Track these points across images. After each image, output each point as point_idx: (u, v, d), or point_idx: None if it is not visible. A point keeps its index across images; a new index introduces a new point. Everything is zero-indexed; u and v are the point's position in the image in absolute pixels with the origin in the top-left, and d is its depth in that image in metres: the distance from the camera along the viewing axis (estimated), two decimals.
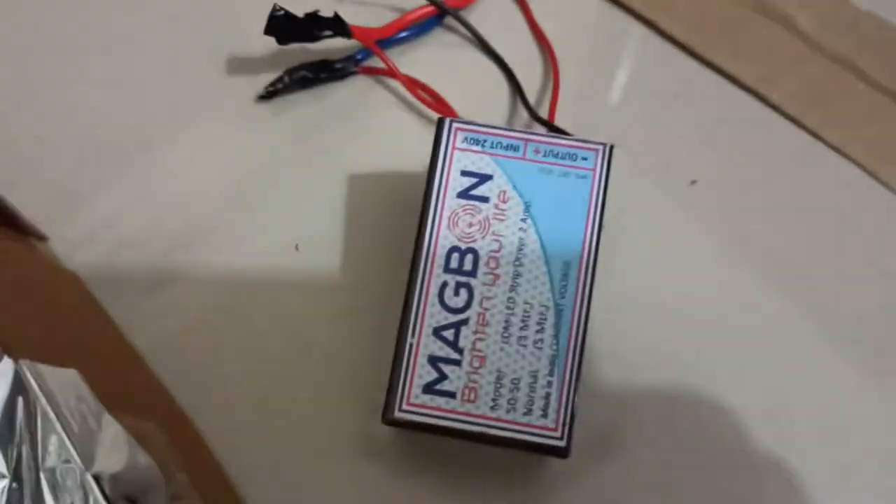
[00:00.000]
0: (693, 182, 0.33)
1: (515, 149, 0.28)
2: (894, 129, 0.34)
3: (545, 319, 0.27)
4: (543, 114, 0.33)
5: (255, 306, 0.31)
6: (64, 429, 0.19)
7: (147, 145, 0.33)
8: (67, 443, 0.19)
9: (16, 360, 0.20)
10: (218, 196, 0.33)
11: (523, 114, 0.34)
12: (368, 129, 0.34)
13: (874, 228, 0.33)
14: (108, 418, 0.21)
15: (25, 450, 0.19)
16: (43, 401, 0.19)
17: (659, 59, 0.35)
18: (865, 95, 0.35)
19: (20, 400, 0.19)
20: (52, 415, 0.19)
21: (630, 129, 0.34)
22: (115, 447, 0.20)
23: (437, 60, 0.35)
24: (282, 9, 0.31)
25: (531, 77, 0.35)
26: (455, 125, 0.28)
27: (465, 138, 0.28)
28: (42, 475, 0.19)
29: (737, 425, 0.30)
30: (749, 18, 0.36)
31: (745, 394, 0.30)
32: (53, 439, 0.19)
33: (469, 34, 0.35)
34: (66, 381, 0.21)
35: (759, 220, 0.33)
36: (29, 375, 0.20)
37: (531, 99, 0.34)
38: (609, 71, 0.35)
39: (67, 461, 0.19)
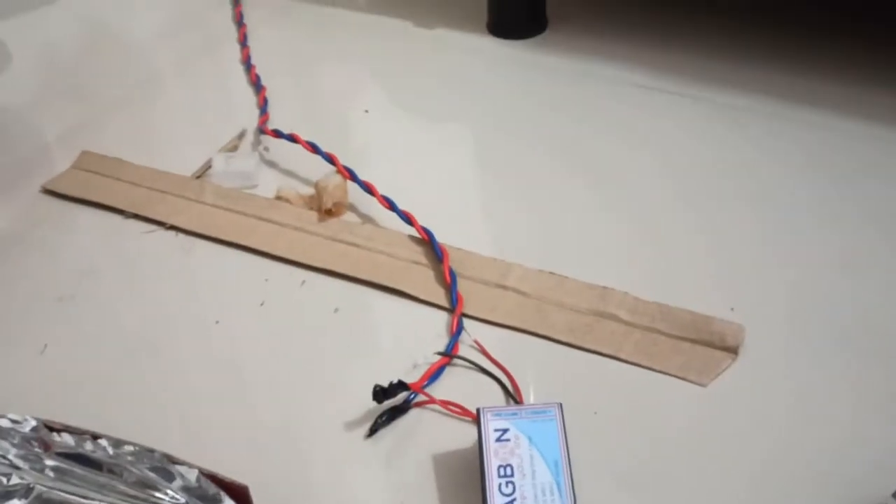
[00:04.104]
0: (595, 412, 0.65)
1: (516, 414, 0.59)
2: (690, 354, 0.68)
3: (553, 488, 0.57)
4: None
5: None
6: None
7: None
8: None
9: None
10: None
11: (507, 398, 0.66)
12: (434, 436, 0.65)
13: None
14: None
15: None
16: None
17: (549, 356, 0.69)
18: (665, 341, 0.69)
19: None
20: None
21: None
22: None
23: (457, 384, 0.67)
24: (379, 386, 0.63)
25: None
26: (486, 409, 0.60)
27: (492, 414, 0.59)
28: None
29: None
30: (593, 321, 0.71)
31: None
32: None
33: (468, 364, 0.68)
34: None
35: None
36: None
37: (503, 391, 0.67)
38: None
39: None
